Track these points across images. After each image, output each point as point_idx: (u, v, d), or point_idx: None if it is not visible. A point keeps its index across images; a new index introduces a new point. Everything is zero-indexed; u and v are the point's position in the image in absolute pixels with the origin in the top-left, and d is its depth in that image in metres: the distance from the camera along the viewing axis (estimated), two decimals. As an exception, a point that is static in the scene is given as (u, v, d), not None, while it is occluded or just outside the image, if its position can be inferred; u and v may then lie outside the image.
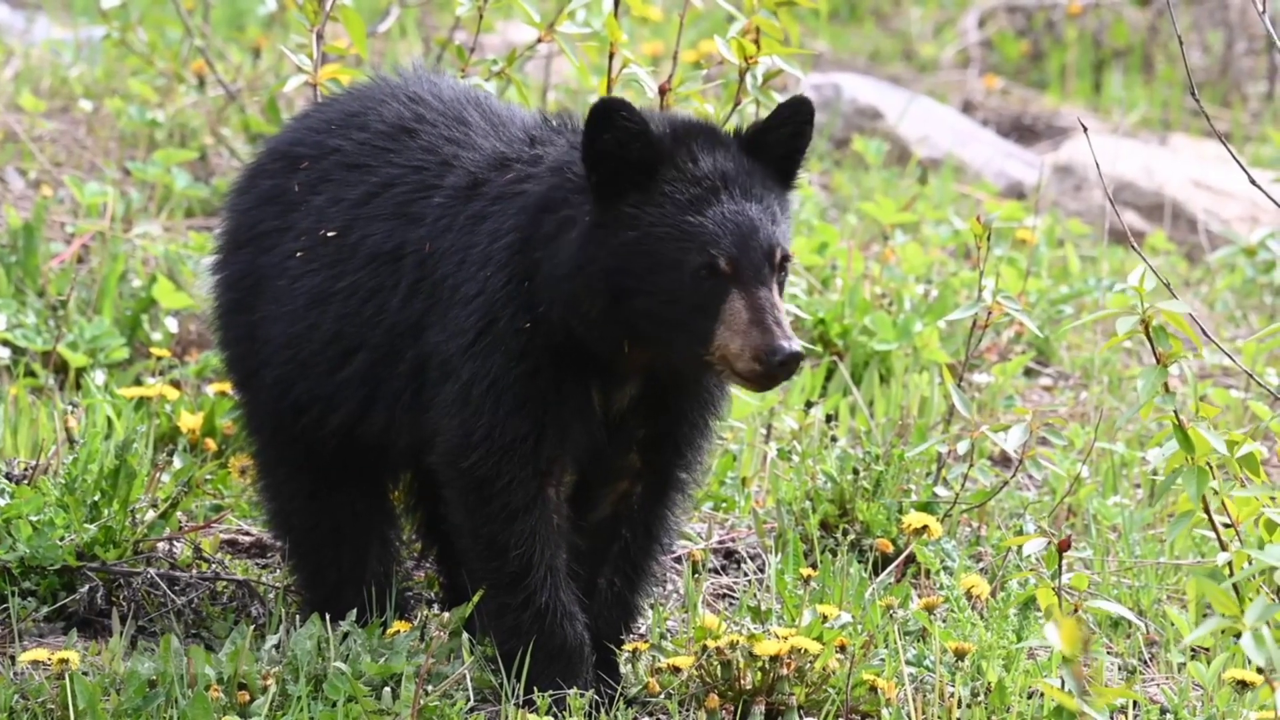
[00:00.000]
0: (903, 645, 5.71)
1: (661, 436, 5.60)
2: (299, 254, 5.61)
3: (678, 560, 6.45)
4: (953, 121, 11.62)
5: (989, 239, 6.52)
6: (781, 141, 5.44)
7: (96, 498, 6.08)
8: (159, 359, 7.53)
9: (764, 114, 6.93)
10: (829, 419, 7.60)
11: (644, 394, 5.51)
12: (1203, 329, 5.76)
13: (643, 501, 5.65)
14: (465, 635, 5.57)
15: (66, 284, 7.76)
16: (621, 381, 5.48)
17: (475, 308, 5.38)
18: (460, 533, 5.50)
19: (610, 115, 5.28)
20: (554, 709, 5.42)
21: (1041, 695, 5.61)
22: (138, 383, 7.31)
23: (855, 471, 6.61)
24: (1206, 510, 5.66)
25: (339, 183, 5.63)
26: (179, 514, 6.29)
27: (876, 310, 8.07)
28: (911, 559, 6.33)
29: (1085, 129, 6.07)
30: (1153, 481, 7.20)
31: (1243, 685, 5.50)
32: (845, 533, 6.57)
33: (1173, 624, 6.14)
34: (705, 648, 5.55)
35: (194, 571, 6.15)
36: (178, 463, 6.64)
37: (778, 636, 5.55)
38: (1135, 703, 5.70)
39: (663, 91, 6.52)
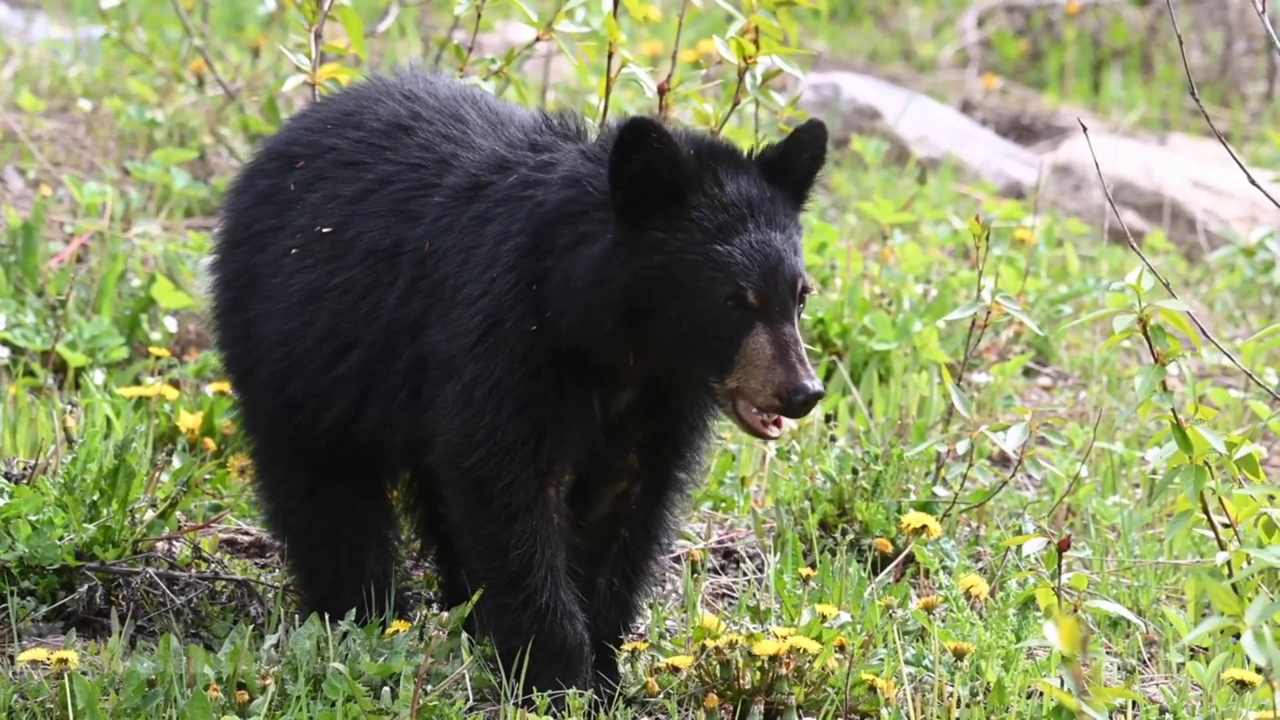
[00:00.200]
0: (902, 645, 5.71)
1: (660, 437, 5.60)
2: (294, 251, 5.61)
3: (677, 560, 6.45)
4: (951, 121, 11.62)
5: (988, 239, 6.52)
6: (800, 166, 5.43)
7: (95, 497, 6.08)
8: (158, 358, 7.53)
9: (763, 114, 6.97)
10: (828, 419, 7.60)
11: (643, 396, 5.51)
12: (1202, 329, 5.76)
13: (641, 501, 5.65)
14: (464, 635, 5.57)
15: (65, 283, 7.76)
16: (621, 385, 5.48)
17: (480, 308, 5.37)
18: (460, 532, 5.50)
19: (641, 136, 5.25)
20: (553, 708, 5.42)
21: (1041, 695, 5.61)
22: (137, 382, 7.31)
23: (854, 471, 6.61)
24: (1205, 510, 5.66)
25: (335, 180, 5.63)
26: (178, 513, 6.29)
27: (875, 310, 8.07)
28: (910, 559, 6.33)
29: (1084, 129, 6.07)
30: (1152, 481, 7.20)
31: (1242, 685, 5.50)
32: (844, 532, 6.57)
33: (1172, 624, 6.14)
34: (704, 647, 5.55)
35: (193, 571, 6.15)
36: (177, 462, 6.64)
37: (777, 636, 5.55)
38: (1134, 702, 5.70)
39: (661, 91, 6.52)
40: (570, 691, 5.41)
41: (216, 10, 11.24)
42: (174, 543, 6.25)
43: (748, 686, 5.55)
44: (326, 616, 5.61)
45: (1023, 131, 12.50)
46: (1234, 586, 5.51)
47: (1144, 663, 6.16)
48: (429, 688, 5.40)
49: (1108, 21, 13.72)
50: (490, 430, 5.38)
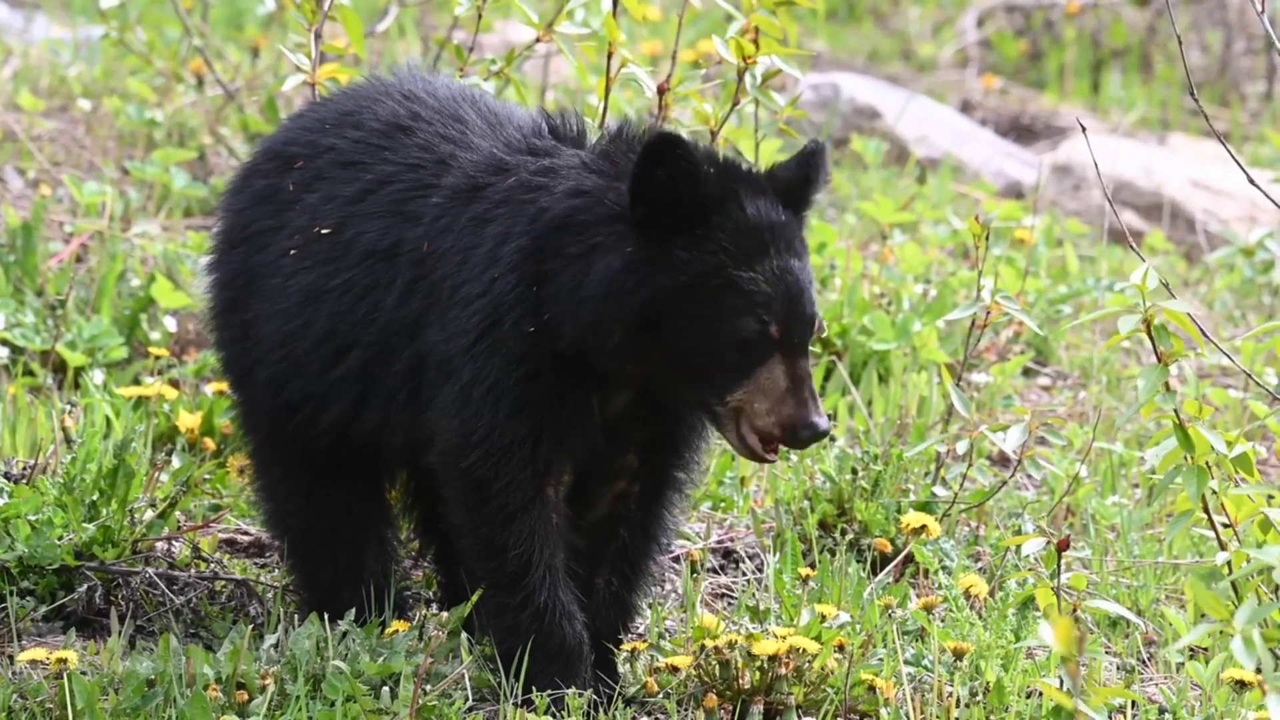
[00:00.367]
0: (901, 645, 5.71)
1: (659, 437, 5.60)
2: (292, 252, 5.61)
3: (676, 560, 6.45)
4: (951, 121, 11.62)
5: (987, 238, 6.52)
6: (808, 187, 5.43)
7: (95, 497, 6.08)
8: (157, 358, 7.53)
9: (763, 114, 6.96)
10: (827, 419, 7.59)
11: (641, 396, 5.51)
12: (1201, 328, 5.77)
13: (640, 501, 5.65)
14: (464, 634, 5.57)
15: (65, 283, 7.76)
16: (619, 387, 5.47)
17: (478, 308, 5.37)
18: (459, 532, 5.50)
19: (666, 152, 5.23)
20: (552, 708, 5.42)
21: (1040, 695, 5.61)
22: (136, 382, 7.31)
23: (854, 471, 6.61)
24: (1205, 510, 5.66)
25: (333, 181, 5.62)
26: (177, 513, 6.29)
27: (875, 310, 8.06)
28: (910, 559, 6.33)
29: (1084, 129, 6.08)
30: (1151, 481, 7.20)
31: (1241, 685, 5.50)
32: (844, 532, 6.57)
33: (1171, 624, 6.14)
34: (703, 647, 5.55)
35: (192, 571, 6.15)
36: (176, 462, 6.64)
37: (776, 636, 5.55)
38: (1133, 702, 5.70)
39: (661, 91, 6.52)
40: (569, 691, 5.42)
41: (216, 10, 11.24)
42: (173, 542, 6.25)
43: (747, 686, 5.55)
44: (326, 616, 5.61)
45: (1022, 131, 12.50)
46: (1233, 586, 5.51)
47: (1143, 663, 6.16)
48: (428, 687, 5.40)
49: (1107, 21, 13.73)
50: (488, 430, 5.38)
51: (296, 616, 5.88)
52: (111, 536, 6.05)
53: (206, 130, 9.31)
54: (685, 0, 6.77)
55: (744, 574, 6.53)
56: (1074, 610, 5.36)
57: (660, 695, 5.60)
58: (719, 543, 6.63)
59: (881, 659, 5.69)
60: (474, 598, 5.49)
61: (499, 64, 6.76)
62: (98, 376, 7.35)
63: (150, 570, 6.07)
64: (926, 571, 6.29)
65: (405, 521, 6.06)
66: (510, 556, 5.42)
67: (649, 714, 5.61)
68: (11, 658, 5.71)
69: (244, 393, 5.81)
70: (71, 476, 6.10)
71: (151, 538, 6.13)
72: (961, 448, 6.53)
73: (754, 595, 6.19)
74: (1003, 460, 7.46)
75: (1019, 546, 5.54)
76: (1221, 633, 5.83)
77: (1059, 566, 5.40)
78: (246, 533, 6.48)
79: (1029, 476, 7.41)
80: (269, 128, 8.79)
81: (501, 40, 11.50)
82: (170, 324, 7.78)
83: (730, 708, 5.55)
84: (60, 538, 6.02)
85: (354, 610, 5.67)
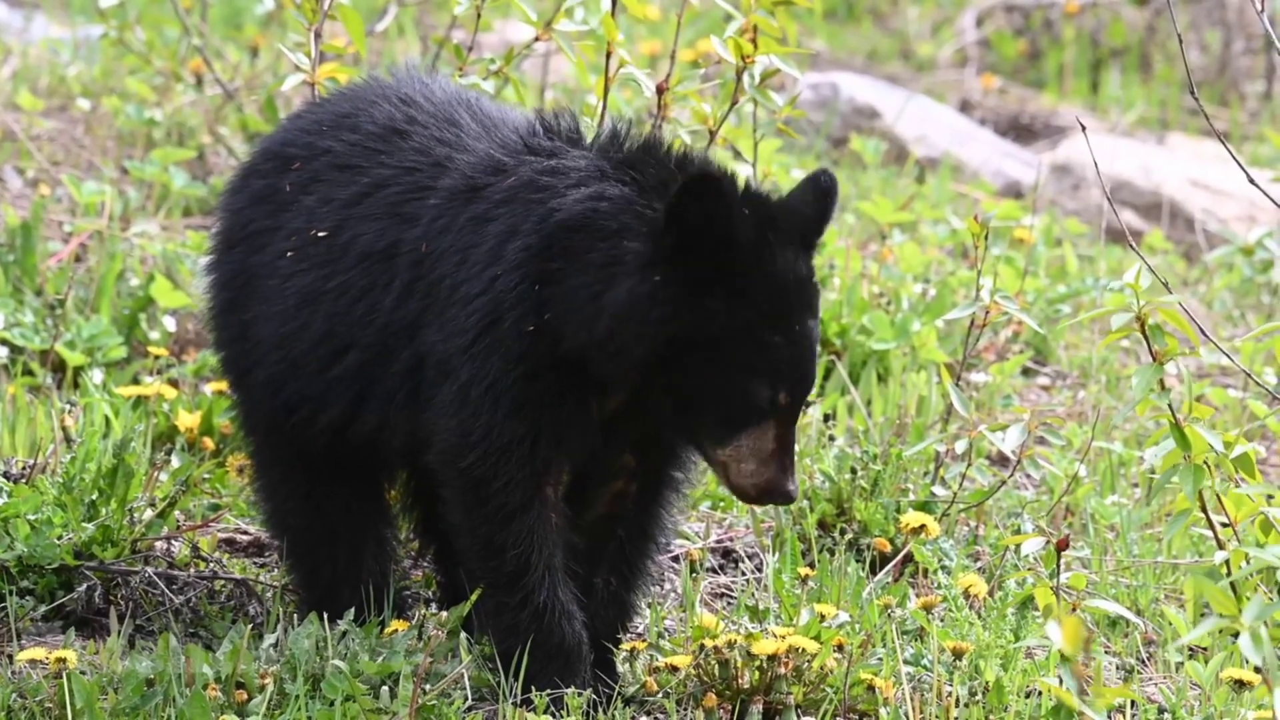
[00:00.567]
0: (900, 644, 5.71)
1: (656, 436, 5.60)
2: (290, 254, 5.61)
3: (675, 559, 6.45)
4: (950, 121, 11.62)
5: (986, 238, 6.52)
6: (822, 223, 5.45)
7: (94, 497, 6.08)
8: (157, 358, 7.53)
9: (761, 114, 6.96)
10: (826, 418, 7.60)
11: (637, 396, 5.50)
12: (1200, 328, 5.76)
13: (638, 501, 5.65)
14: (463, 634, 5.57)
15: (64, 283, 7.76)
16: (617, 389, 5.47)
17: (477, 307, 5.36)
18: (458, 532, 5.49)
19: (706, 192, 5.20)
20: (552, 708, 5.42)
21: (1039, 694, 5.61)
22: (135, 382, 7.31)
23: (853, 471, 6.61)
24: (1204, 509, 5.66)
25: (330, 183, 5.62)
26: (177, 513, 6.29)
27: (874, 309, 8.06)
28: (909, 558, 6.33)
29: (1083, 128, 6.08)
30: (1150, 480, 7.20)
31: (1240, 685, 5.50)
32: (843, 532, 6.57)
33: (1170, 623, 6.14)
34: (703, 647, 5.55)
35: (192, 570, 6.15)
36: (175, 462, 6.64)
37: (775, 636, 5.55)
38: (1133, 702, 5.71)
39: (660, 91, 6.52)
40: (569, 691, 5.42)
41: (215, 9, 11.24)
42: (173, 542, 6.25)
43: (746, 686, 5.55)
44: (325, 616, 5.62)
45: (1021, 131, 12.50)
46: (1232, 586, 5.51)
47: (1143, 662, 6.17)
48: (428, 687, 5.40)
49: (1106, 21, 13.73)
50: (486, 430, 5.37)
51: (296, 616, 5.88)
52: (111, 536, 6.05)
53: (205, 130, 9.31)
54: (684, 0, 6.77)
55: (743, 573, 6.53)
56: (1073, 610, 5.36)
57: (659, 695, 5.60)
58: (718, 542, 6.63)
59: (881, 658, 5.69)
60: (473, 597, 5.49)
61: (498, 63, 6.75)
62: (97, 376, 7.35)
63: (149, 570, 6.08)
64: (926, 571, 6.29)
65: (404, 521, 6.06)
66: (509, 556, 5.42)
67: (648, 713, 5.61)
68: (11, 657, 5.71)
69: (243, 393, 5.81)
70: (71, 476, 6.10)
71: (151, 537, 6.13)
72: (960, 447, 6.53)
73: (753, 595, 6.19)
74: (1002, 460, 7.46)
75: (1018, 546, 5.54)
76: (1223, 631, 5.83)
77: (1058, 566, 5.40)
78: (246, 532, 6.48)
79: (1028, 476, 7.41)
80: (268, 127, 8.79)
81: (500, 39, 11.50)
82: (169, 323, 7.78)
83: (729, 707, 5.55)
84: (60, 537, 6.02)
85: (353, 610, 5.67)
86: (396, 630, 5.60)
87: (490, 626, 5.52)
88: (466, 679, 5.52)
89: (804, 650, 5.52)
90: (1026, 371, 8.51)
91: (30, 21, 11.31)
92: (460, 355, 5.38)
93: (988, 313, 6.52)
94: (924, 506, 6.57)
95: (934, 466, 6.76)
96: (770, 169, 8.31)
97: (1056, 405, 8.17)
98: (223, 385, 6.79)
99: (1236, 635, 4.55)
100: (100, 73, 10.01)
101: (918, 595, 6.11)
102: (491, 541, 5.42)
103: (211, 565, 6.20)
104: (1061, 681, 4.60)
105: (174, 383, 7.39)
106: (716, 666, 5.55)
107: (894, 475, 6.60)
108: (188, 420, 6.91)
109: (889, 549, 6.51)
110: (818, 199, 5.43)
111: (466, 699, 5.48)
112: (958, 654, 5.58)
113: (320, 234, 5.57)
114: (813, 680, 5.56)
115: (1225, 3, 13.41)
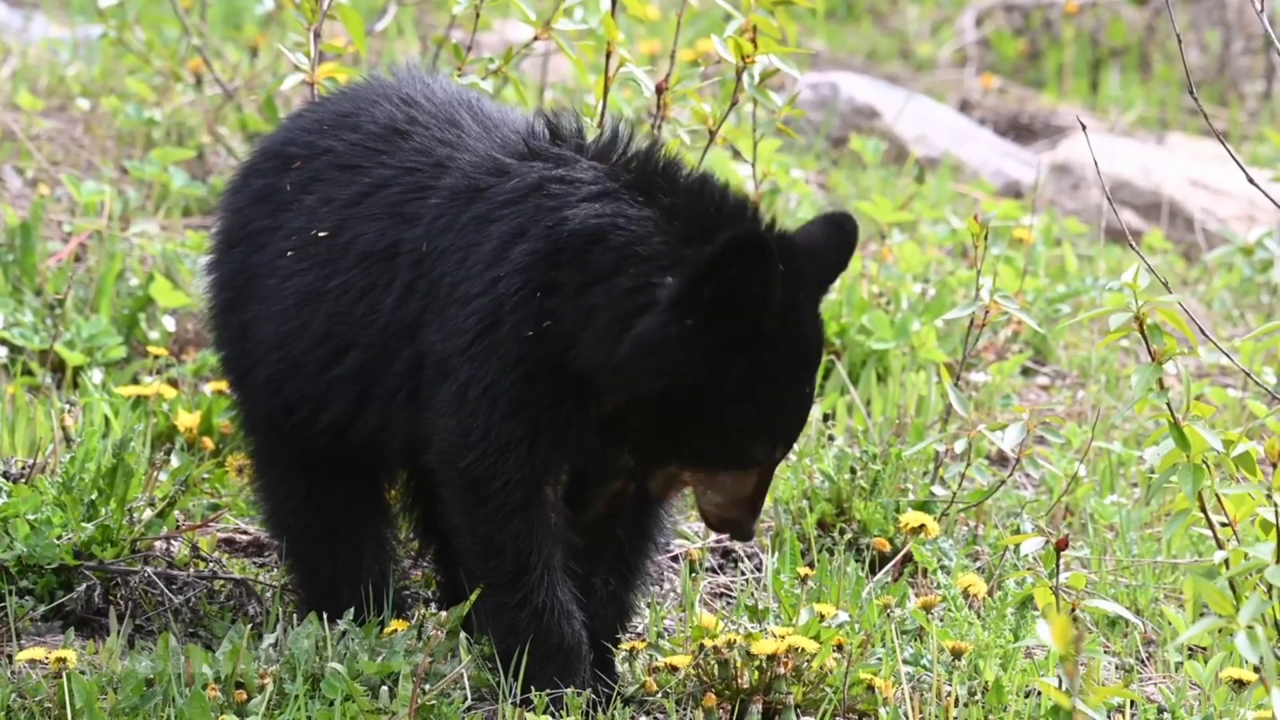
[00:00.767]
0: (900, 644, 5.71)
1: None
2: (290, 253, 5.60)
3: (675, 559, 6.45)
4: (950, 120, 11.62)
5: (986, 238, 6.52)
6: (839, 267, 5.50)
7: (94, 496, 6.08)
8: (156, 358, 7.53)
9: (761, 113, 6.96)
10: (826, 418, 7.60)
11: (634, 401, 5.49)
12: (1200, 327, 5.76)
13: (637, 500, 5.64)
14: (462, 634, 5.57)
15: (64, 282, 7.76)
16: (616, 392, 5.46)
17: (476, 308, 5.35)
18: (458, 532, 5.49)
19: (747, 256, 5.16)
20: (551, 708, 5.42)
21: (1039, 694, 5.62)
22: (135, 381, 7.31)
23: (852, 470, 6.62)
24: (1203, 509, 5.67)
25: (331, 183, 5.61)
26: (176, 513, 6.29)
27: (874, 309, 8.07)
28: (909, 558, 6.33)
29: (1083, 128, 6.08)
30: (1150, 480, 7.20)
31: (1239, 684, 5.51)
32: (842, 532, 6.57)
33: (1170, 623, 6.14)
34: (702, 647, 5.55)
35: (191, 570, 6.15)
36: (175, 461, 6.64)
37: (775, 635, 5.55)
38: (1132, 702, 5.71)
39: (659, 90, 6.52)
40: (568, 690, 5.42)
41: (215, 9, 11.24)
42: (172, 542, 6.25)
43: (746, 686, 5.55)
44: (324, 616, 5.62)
45: (1021, 131, 12.50)
46: (1231, 584, 5.52)
47: (1142, 662, 6.17)
48: (427, 687, 5.40)
49: (1106, 21, 13.73)
50: (485, 431, 5.37)
51: (295, 616, 5.88)
52: (110, 536, 6.05)
53: (205, 129, 9.31)
54: (684, 0, 6.77)
55: (742, 573, 6.53)
56: (1072, 610, 5.36)
57: (659, 694, 5.60)
58: (718, 542, 6.63)
59: (880, 658, 5.69)
60: (472, 597, 5.49)
61: (497, 63, 6.75)
62: (96, 376, 7.35)
63: (149, 569, 6.08)
64: (925, 571, 6.29)
65: (404, 521, 6.06)
66: (508, 556, 5.42)
67: (648, 713, 5.61)
68: (10, 657, 5.71)
69: (243, 393, 5.81)
70: (70, 476, 6.10)
71: (150, 537, 6.13)
72: (960, 447, 6.53)
73: (753, 595, 6.19)
74: (1001, 459, 7.46)
75: (1017, 546, 5.55)
76: (1221, 631, 5.84)
77: (1057, 566, 5.40)
78: (245, 532, 6.48)
79: (1027, 476, 7.41)
80: (268, 127, 8.79)
81: (500, 39, 11.50)
82: (169, 323, 7.78)
83: (729, 707, 5.55)
84: (59, 537, 6.02)
85: (353, 610, 5.67)
86: (396, 630, 5.60)
87: (489, 626, 5.52)
88: (466, 679, 5.52)
89: (803, 650, 5.52)
90: (1026, 371, 8.51)
91: (30, 21, 11.31)
92: (459, 356, 5.37)
93: (987, 312, 6.52)
94: (923, 506, 6.57)
95: (933, 466, 6.77)
96: (769, 169, 8.30)
97: (1056, 405, 8.17)
98: (222, 385, 6.79)
99: (1235, 635, 4.55)
100: (100, 72, 10.01)
101: (917, 595, 6.11)
102: (491, 541, 5.42)
103: (211, 565, 6.20)
104: (1060, 682, 4.60)
105: (173, 382, 7.39)
106: (716, 666, 5.55)
107: (893, 475, 6.60)
108: (187, 420, 6.91)
109: (888, 549, 6.51)
110: (838, 247, 5.44)
111: (466, 699, 5.49)
112: (957, 654, 5.58)
113: (321, 234, 5.57)
114: (812, 680, 5.56)
115: (1225, 2, 13.41)
